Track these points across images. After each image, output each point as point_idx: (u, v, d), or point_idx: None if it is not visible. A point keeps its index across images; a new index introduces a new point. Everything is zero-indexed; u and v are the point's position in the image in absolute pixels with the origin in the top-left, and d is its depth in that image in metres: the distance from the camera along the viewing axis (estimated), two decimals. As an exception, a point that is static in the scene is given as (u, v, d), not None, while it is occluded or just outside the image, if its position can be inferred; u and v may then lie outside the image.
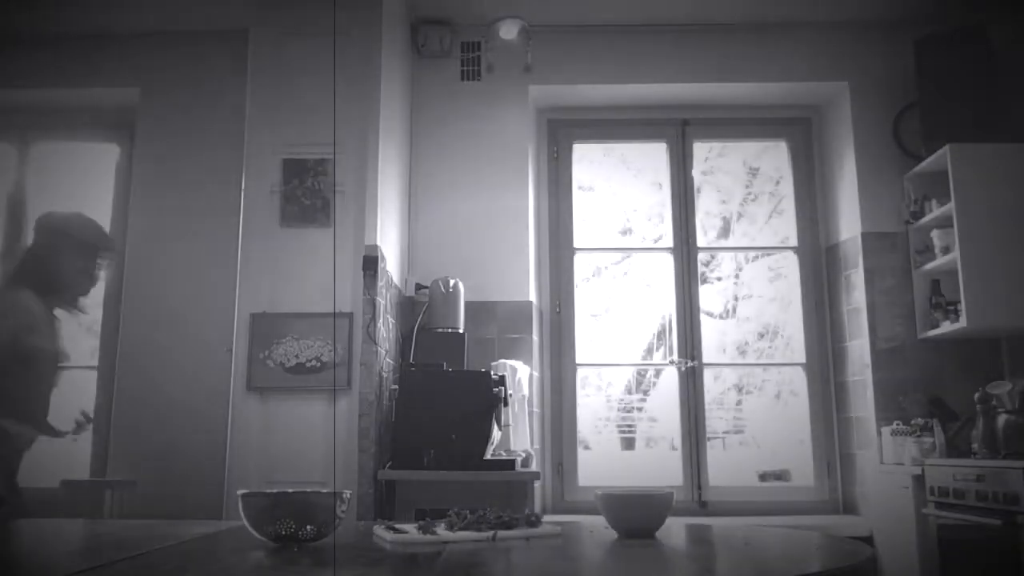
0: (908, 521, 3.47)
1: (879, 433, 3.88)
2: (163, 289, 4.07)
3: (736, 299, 4.62)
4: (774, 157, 4.63)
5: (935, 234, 3.89)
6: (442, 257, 4.09)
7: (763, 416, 4.45)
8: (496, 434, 3.41)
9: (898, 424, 3.76)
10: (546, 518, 1.83)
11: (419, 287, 3.99)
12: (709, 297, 4.55)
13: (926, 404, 3.86)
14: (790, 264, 4.50)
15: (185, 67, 4.28)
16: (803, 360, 4.36)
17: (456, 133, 4.26)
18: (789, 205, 4.54)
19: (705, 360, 4.35)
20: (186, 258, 4.10)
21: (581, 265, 4.54)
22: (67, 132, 4.54)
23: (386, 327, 3.58)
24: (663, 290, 4.47)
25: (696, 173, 4.56)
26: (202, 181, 4.15)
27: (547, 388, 4.29)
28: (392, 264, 3.77)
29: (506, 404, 3.47)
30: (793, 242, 4.49)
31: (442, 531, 1.60)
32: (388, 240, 3.68)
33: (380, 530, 1.64)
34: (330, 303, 3.43)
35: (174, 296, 4.06)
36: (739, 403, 4.47)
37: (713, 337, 4.48)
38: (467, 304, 3.89)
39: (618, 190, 4.68)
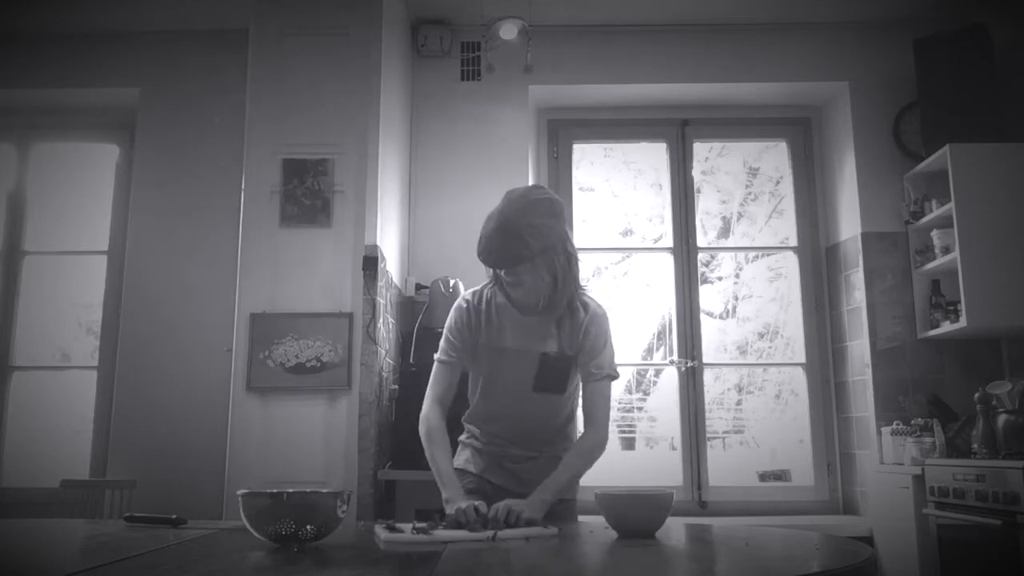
0: (908, 521, 3.47)
1: (879, 433, 3.88)
2: (163, 289, 4.07)
3: (736, 299, 4.62)
4: (774, 157, 4.63)
5: (935, 234, 3.89)
6: (442, 257, 4.09)
7: (763, 416, 4.46)
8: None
9: (898, 424, 3.76)
10: (546, 518, 1.83)
11: (419, 287, 3.99)
12: (709, 297, 4.55)
13: (926, 404, 3.86)
14: (790, 264, 4.50)
15: (185, 67, 4.28)
16: (803, 360, 4.36)
17: (456, 133, 4.26)
18: (789, 205, 4.54)
19: (705, 360, 4.35)
20: (186, 258, 4.10)
21: (581, 265, 4.52)
22: (67, 132, 4.54)
23: (386, 327, 3.58)
24: (663, 290, 4.47)
25: (696, 173, 4.56)
26: (202, 181, 4.15)
27: (547, 388, 4.28)
28: (392, 264, 3.77)
29: (506, 404, 3.45)
30: (793, 242, 4.48)
31: (441, 531, 1.60)
32: (388, 240, 3.68)
33: (380, 530, 1.65)
34: (330, 303, 3.43)
35: (174, 296, 4.06)
36: (739, 403, 4.47)
37: (713, 337, 4.48)
38: (467, 304, 3.89)
39: (618, 190, 4.68)
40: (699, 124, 4.57)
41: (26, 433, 4.25)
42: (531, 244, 1.99)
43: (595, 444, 2.10)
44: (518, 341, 2.14)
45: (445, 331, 2.23)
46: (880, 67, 4.24)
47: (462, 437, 2.30)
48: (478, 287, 2.25)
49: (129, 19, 4.21)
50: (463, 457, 2.27)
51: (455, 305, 2.25)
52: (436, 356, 2.23)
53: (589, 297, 2.23)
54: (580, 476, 2.13)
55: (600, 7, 4.21)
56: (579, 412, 2.26)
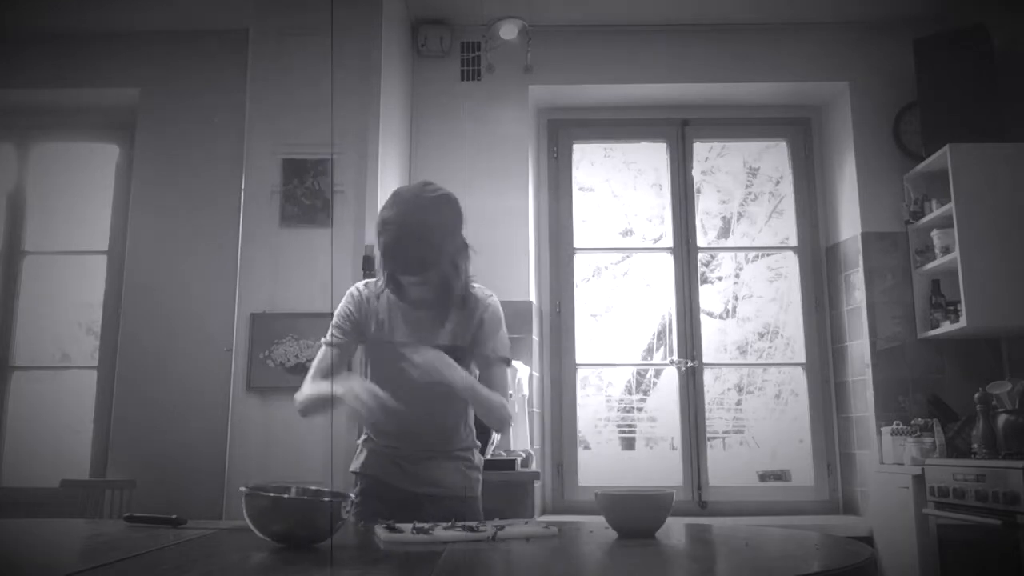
0: (908, 521, 3.47)
1: (879, 433, 3.88)
2: (163, 289, 4.07)
3: (736, 299, 4.62)
4: (774, 157, 4.63)
5: (935, 234, 3.89)
6: (442, 257, 4.08)
7: (763, 416, 4.46)
8: (496, 434, 3.41)
9: (898, 424, 3.76)
10: (546, 518, 1.83)
11: (419, 287, 3.98)
12: (709, 297, 4.55)
13: (926, 404, 3.86)
14: (790, 264, 4.50)
15: (185, 67, 4.28)
16: (803, 360, 4.36)
17: (456, 133, 4.26)
18: (789, 205, 4.54)
19: (705, 360, 4.35)
20: (186, 258, 4.10)
21: (581, 265, 4.54)
22: (67, 132, 4.54)
23: (386, 327, 3.57)
24: (663, 290, 4.47)
25: (696, 173, 4.56)
26: (202, 181, 4.15)
27: (547, 388, 4.29)
28: (392, 264, 3.76)
29: (506, 404, 3.46)
30: (793, 242, 4.48)
31: (439, 531, 1.60)
32: (388, 240, 3.67)
33: (380, 530, 1.65)
34: (330, 303, 3.42)
35: (174, 296, 4.06)
36: (739, 403, 4.47)
37: (713, 337, 4.48)
38: (467, 304, 3.88)
39: (618, 190, 4.68)
40: (699, 124, 4.57)
41: (26, 433, 4.25)
42: (439, 246, 1.93)
43: (501, 403, 2.05)
44: (410, 335, 2.06)
45: (334, 317, 2.12)
46: (880, 67, 4.24)
47: (360, 439, 2.21)
48: (372, 279, 2.14)
49: (129, 19, 4.21)
50: (360, 460, 2.17)
51: (347, 293, 2.15)
52: (322, 339, 2.11)
53: (478, 287, 2.13)
54: (477, 402, 2.04)
55: (600, 7, 4.21)
56: (471, 414, 2.18)
